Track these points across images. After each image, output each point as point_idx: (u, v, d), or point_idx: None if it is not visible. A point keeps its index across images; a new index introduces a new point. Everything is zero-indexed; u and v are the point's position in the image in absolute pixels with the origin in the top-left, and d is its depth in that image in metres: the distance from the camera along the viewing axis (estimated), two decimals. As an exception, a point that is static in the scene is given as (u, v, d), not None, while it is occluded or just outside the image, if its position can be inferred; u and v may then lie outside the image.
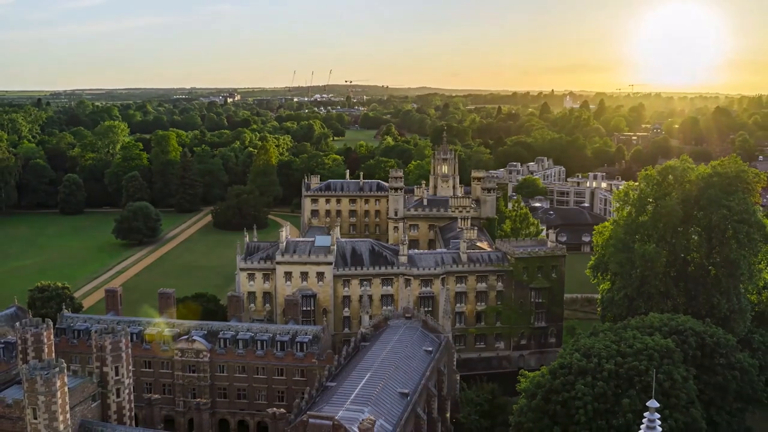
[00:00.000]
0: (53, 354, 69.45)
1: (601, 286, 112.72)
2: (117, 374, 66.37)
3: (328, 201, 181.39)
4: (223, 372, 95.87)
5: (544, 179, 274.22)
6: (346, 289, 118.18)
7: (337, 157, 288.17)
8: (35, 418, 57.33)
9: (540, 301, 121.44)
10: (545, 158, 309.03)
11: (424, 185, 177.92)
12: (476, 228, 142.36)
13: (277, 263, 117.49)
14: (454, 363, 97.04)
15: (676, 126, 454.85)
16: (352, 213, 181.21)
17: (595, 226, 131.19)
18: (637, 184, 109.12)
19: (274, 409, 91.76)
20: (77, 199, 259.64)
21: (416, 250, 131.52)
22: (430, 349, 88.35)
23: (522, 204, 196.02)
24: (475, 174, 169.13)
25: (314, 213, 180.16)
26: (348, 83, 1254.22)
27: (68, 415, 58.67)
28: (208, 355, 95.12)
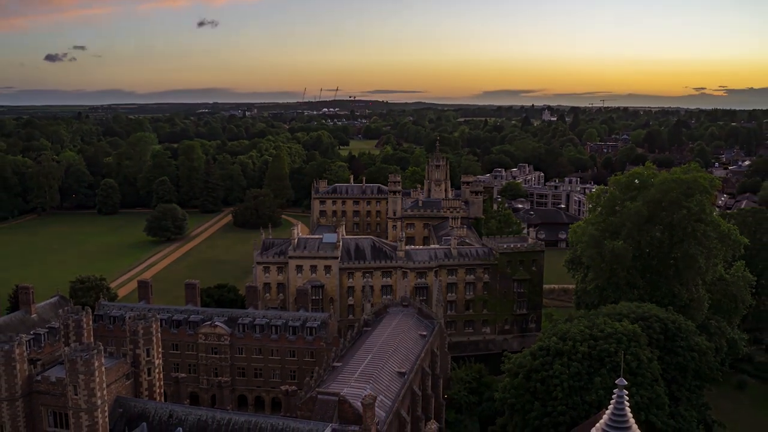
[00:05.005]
0: (92, 338, 69.47)
1: (576, 277, 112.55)
2: (148, 355, 66.28)
3: (334, 203, 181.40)
4: (241, 353, 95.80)
5: (525, 183, 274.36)
6: (351, 280, 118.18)
7: (343, 163, 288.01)
8: (76, 394, 57.26)
9: (522, 291, 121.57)
10: (526, 165, 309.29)
11: (419, 189, 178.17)
12: (465, 226, 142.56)
13: (290, 258, 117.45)
14: (446, 345, 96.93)
15: (642, 137, 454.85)
16: (356, 213, 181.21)
17: (570, 225, 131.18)
18: (607, 187, 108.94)
19: (287, 386, 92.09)
20: (113, 201, 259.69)
21: (412, 246, 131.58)
22: (425, 333, 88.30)
23: (506, 205, 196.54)
24: (464, 179, 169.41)
25: (322, 213, 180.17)
26: (352, 98, 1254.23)
27: (105, 392, 58.61)
28: (229, 338, 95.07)
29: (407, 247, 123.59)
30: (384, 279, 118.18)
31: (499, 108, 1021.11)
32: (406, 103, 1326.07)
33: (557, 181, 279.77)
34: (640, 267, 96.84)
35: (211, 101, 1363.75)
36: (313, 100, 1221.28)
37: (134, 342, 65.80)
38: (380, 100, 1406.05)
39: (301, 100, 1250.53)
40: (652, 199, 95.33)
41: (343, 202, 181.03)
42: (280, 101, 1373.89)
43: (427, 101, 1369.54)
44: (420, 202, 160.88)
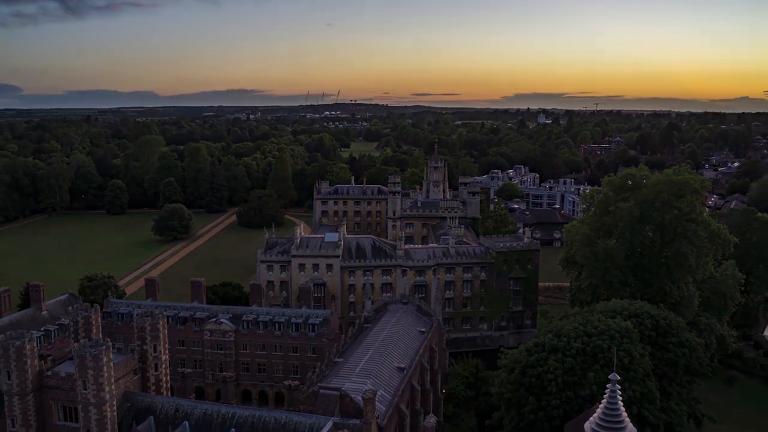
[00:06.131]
0: (100, 334, 69.44)
1: (570, 276, 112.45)
2: (155, 351, 66.30)
3: (336, 203, 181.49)
4: (246, 349, 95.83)
5: (521, 184, 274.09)
6: (352, 278, 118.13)
7: (344, 165, 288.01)
8: (85, 389, 57.31)
9: (517, 288, 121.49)
10: (522, 166, 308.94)
11: (418, 189, 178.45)
12: (463, 226, 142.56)
13: (293, 256, 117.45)
14: (444, 342, 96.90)
15: (634, 139, 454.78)
16: (357, 213, 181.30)
17: (564, 225, 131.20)
18: (601, 188, 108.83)
19: (290, 381, 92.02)
20: (121, 201, 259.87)
21: (411, 245, 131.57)
22: (423, 329, 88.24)
23: (502, 205, 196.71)
24: (462, 180, 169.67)
25: (324, 213, 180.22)
26: (353, 102, 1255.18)
27: (113, 387, 58.63)
28: (233, 335, 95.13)
29: (406, 246, 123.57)
30: (384, 277, 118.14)
31: (496, 111, 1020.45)
32: (405, 107, 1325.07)
33: (552, 182, 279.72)
34: (633, 265, 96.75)
35: (216, 104, 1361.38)
36: (316, 104, 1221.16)
37: (142, 338, 65.82)
38: (380, 103, 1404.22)
39: (303, 104, 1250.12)
40: (644, 199, 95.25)
41: (345, 203, 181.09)
42: (283, 104, 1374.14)
43: (458, 106, 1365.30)
44: (419, 203, 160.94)
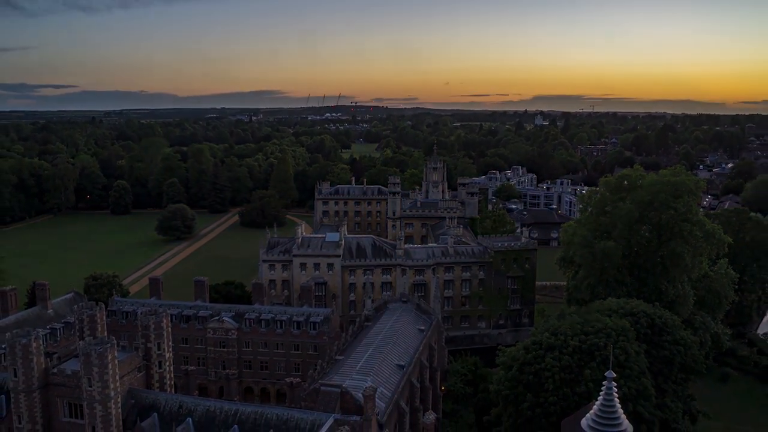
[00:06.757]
0: (105, 332, 69.36)
1: (567, 275, 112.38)
2: (159, 349, 66.24)
3: (337, 203, 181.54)
4: (248, 347, 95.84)
5: (518, 185, 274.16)
6: (352, 277, 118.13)
7: (345, 166, 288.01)
8: (90, 386, 57.29)
9: (515, 287, 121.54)
10: (520, 167, 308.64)
11: (417, 190, 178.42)
12: (462, 226, 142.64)
13: (294, 256, 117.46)
14: (443, 340, 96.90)
15: (630, 140, 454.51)
16: (357, 213, 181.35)
17: (561, 225, 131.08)
18: (597, 189, 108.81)
19: (292, 378, 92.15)
20: (125, 202, 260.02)
21: (411, 245, 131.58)
22: (423, 328, 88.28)
23: (500, 206, 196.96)
24: (460, 180, 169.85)
25: (325, 213, 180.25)
26: (354, 104, 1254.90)
27: (118, 384, 58.61)
28: (236, 333, 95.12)
29: (406, 246, 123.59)
30: (384, 276, 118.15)
31: (494, 113, 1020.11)
32: (404, 109, 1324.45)
33: (549, 182, 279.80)
34: (629, 265, 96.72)
35: (219, 106, 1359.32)
36: (317, 106, 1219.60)
37: (146, 336, 65.80)
38: (380, 106, 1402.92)
39: (305, 106, 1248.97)
40: (641, 200, 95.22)
41: (345, 203, 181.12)
42: (285, 106, 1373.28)
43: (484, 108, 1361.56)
44: (418, 203, 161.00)
